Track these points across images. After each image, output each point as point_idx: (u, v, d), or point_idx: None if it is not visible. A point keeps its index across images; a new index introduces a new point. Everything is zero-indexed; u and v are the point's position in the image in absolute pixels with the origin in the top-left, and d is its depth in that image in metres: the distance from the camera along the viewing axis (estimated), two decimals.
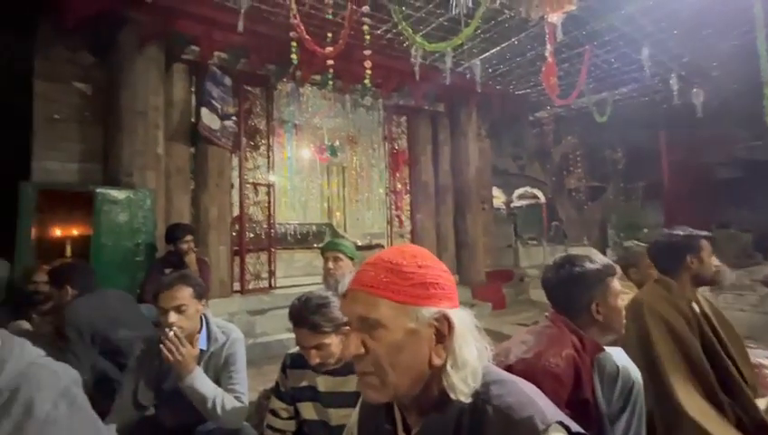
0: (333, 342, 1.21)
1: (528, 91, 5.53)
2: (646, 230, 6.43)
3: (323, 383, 1.27)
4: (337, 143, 6.46)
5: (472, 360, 0.61)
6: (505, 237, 6.49)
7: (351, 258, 2.03)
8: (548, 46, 3.25)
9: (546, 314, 1.13)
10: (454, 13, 3.18)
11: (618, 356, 1.05)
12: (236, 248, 4.18)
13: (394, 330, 0.60)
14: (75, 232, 3.40)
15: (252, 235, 4.29)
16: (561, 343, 1.00)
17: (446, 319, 0.62)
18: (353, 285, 0.64)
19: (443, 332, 0.62)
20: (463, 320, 0.63)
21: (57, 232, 3.35)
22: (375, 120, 5.16)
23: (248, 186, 4.29)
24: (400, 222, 5.33)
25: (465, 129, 5.49)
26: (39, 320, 2.16)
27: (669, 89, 4.69)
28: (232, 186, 4.19)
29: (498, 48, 4.25)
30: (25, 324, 2.13)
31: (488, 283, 5.41)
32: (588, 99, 5.39)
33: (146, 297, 2.60)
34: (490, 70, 4.80)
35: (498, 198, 6.86)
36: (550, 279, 1.12)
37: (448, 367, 0.61)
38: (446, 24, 3.78)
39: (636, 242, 2.35)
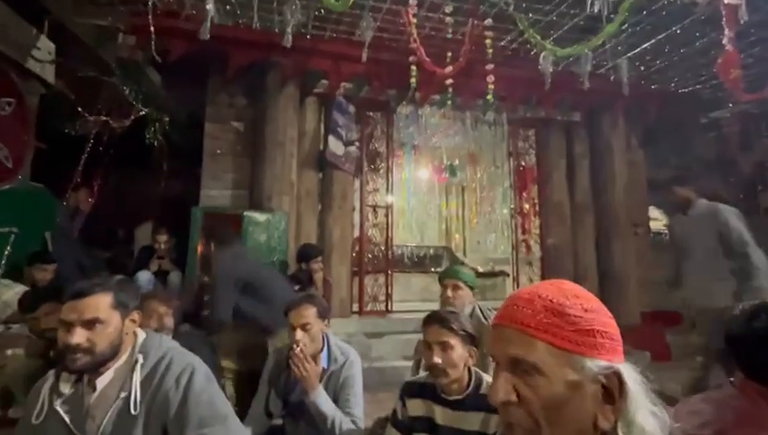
0: (458, 348, 1.27)
1: (698, 87, 4.55)
2: None
3: (442, 416, 1.27)
4: (456, 162, 6.41)
5: (650, 430, 0.55)
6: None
7: (472, 288, 1.98)
8: (726, 32, 2.60)
9: (731, 378, 0.94)
10: (591, 11, 2.85)
11: None
12: (356, 269, 4.40)
13: (554, 379, 0.55)
14: None
15: (370, 256, 4.49)
16: (756, 423, 0.81)
17: (616, 376, 0.56)
18: (504, 321, 0.59)
19: (612, 390, 0.56)
20: (636, 380, 0.57)
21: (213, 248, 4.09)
22: (498, 135, 4.98)
23: (368, 208, 4.54)
24: (527, 247, 4.95)
25: (609, 139, 4.86)
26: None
27: None
28: (353, 208, 4.48)
29: (653, 41, 3.63)
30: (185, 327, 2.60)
31: (645, 326, 4.53)
32: None
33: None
34: (642, 68, 4.13)
35: (658, 220, 5.73)
36: (738, 334, 0.93)
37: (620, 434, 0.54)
38: (581, 23, 3.42)
39: None
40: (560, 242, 4.82)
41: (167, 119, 4.20)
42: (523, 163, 5.06)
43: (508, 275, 5.28)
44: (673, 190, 2.69)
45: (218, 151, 4.09)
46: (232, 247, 2.44)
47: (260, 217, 3.75)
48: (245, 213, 3.73)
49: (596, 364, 0.55)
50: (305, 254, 3.22)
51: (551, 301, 0.58)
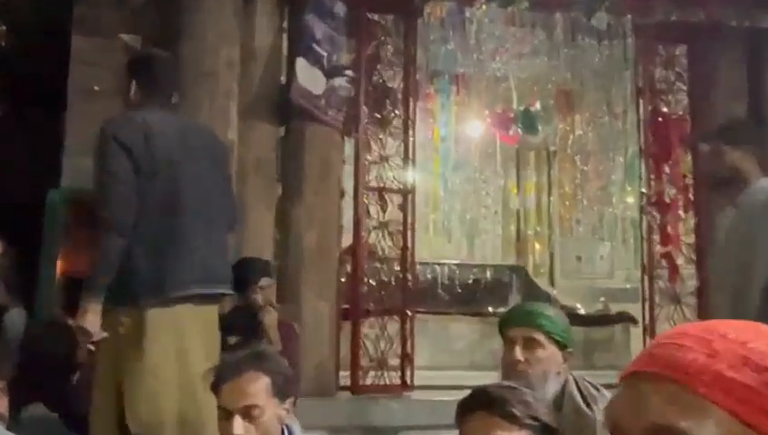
0: None
1: None
2: None
3: None
4: (537, 107, 6.48)
5: None
6: None
7: (563, 345, 2.06)
8: None
9: None
10: None
11: None
12: (346, 307, 4.52)
13: None
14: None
15: (373, 282, 4.57)
16: None
17: None
18: (651, 366, 0.64)
19: None
20: None
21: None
22: (617, 56, 5.10)
23: (369, 193, 4.65)
24: (672, 270, 5.06)
25: None
26: None
27: None
28: (343, 193, 4.61)
29: None
30: None
31: None
32: None
33: None
34: None
35: None
36: None
37: None
38: None
39: None
40: None
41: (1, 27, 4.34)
42: (665, 109, 5.13)
43: (635, 322, 5.33)
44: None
45: (95, 88, 4.25)
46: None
47: None
48: None
49: None
50: (243, 275, 3.30)
51: (742, 344, 0.62)
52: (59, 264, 3.87)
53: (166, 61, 2.87)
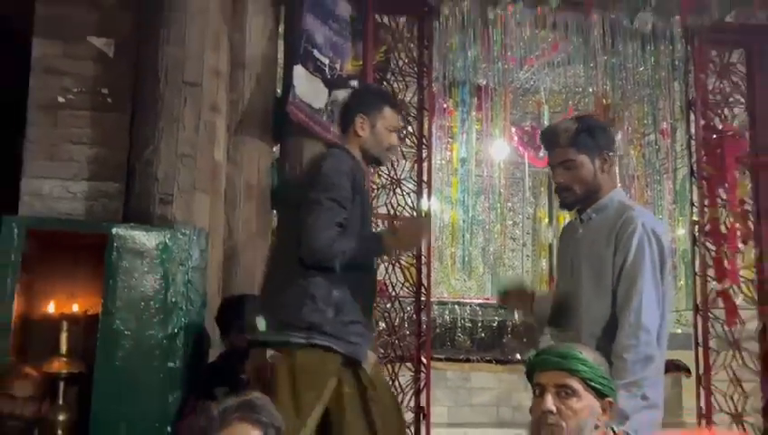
0: None
1: None
2: None
3: None
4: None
5: None
6: None
7: (602, 394, 1.93)
8: None
9: None
10: None
11: None
12: None
13: None
14: (77, 308, 3.90)
15: (383, 325, 4.46)
16: None
17: None
18: None
19: None
20: None
21: (49, 308, 3.92)
22: (663, 64, 5.00)
23: (378, 221, 4.45)
24: (731, 310, 4.77)
25: None
26: None
27: None
28: None
29: None
30: None
31: None
32: None
33: None
34: None
35: None
36: None
37: None
38: None
39: None
40: None
41: None
42: (719, 124, 4.98)
43: (688, 372, 5.16)
44: None
45: (60, 99, 4.03)
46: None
47: (145, 237, 3.64)
48: (115, 229, 3.61)
49: None
50: (228, 316, 3.33)
51: None
52: (15, 305, 3.55)
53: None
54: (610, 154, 2.60)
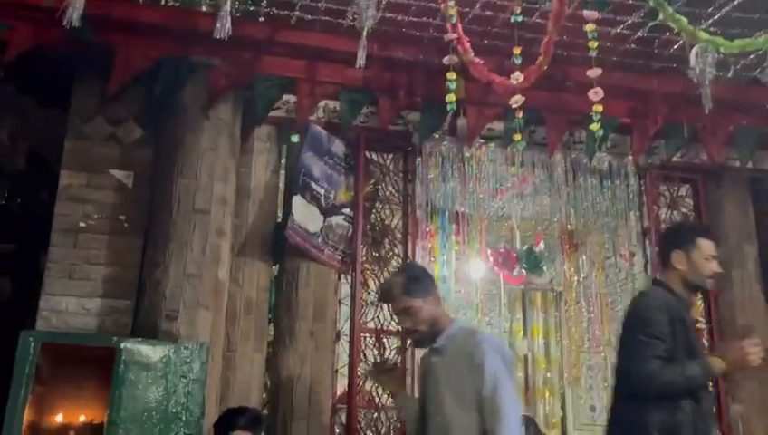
0: None
1: None
2: None
3: None
4: (541, 246, 6.54)
5: None
6: None
7: None
8: None
9: None
10: None
11: None
12: None
13: None
14: (83, 418, 4.04)
15: (371, 434, 4.41)
16: None
17: None
18: None
19: None
20: None
21: (58, 418, 4.04)
22: (620, 197, 5.20)
23: (366, 335, 4.58)
24: None
25: None
26: None
27: None
28: (337, 335, 4.53)
29: None
30: None
31: None
32: None
33: None
34: None
35: None
36: None
37: None
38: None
39: None
40: (756, 409, 4.76)
41: None
42: None
43: None
44: None
45: (81, 224, 4.27)
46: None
47: (151, 351, 3.79)
48: (123, 344, 3.76)
49: None
50: (225, 427, 3.28)
51: None
52: (26, 413, 3.65)
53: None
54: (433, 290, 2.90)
